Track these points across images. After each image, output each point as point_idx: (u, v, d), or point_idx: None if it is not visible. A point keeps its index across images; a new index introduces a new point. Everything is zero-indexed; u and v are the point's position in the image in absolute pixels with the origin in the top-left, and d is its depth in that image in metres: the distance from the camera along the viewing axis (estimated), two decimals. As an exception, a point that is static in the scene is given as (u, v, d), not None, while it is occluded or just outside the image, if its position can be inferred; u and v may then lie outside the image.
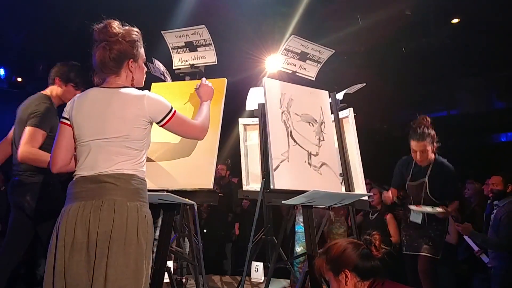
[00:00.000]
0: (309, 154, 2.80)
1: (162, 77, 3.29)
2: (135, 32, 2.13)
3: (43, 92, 3.01)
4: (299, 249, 4.03)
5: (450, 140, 8.90)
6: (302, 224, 4.10)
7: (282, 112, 2.77)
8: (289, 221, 3.58)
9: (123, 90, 2.04)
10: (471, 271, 4.51)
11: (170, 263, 3.86)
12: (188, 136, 2.32)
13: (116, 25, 2.08)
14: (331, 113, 3.39)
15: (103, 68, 2.06)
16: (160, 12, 5.33)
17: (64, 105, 3.15)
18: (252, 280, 4.20)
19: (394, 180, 3.96)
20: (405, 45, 6.52)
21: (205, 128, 2.31)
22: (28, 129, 2.78)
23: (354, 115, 3.30)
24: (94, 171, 1.95)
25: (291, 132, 2.76)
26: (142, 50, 2.17)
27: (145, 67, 2.21)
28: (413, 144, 3.57)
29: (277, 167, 2.61)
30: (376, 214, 5.03)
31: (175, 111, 2.13)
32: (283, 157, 2.66)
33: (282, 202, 2.53)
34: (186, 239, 4.38)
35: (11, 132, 3.10)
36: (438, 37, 6.25)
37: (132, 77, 2.12)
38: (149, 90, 2.91)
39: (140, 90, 2.09)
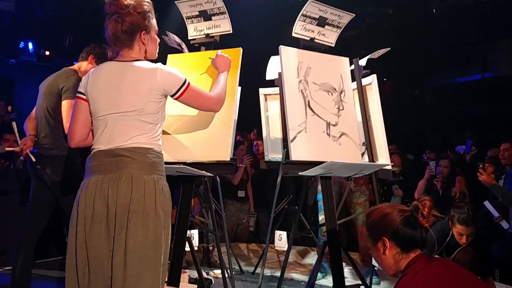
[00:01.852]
0: (328, 124, 2.73)
1: (180, 48, 3.25)
2: (147, 3, 2.08)
3: (70, 67, 3.06)
4: (321, 217, 4.01)
5: (484, 104, 8.61)
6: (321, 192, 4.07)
7: (300, 82, 2.69)
8: (310, 190, 3.54)
9: (136, 63, 2.02)
10: (489, 238, 4.40)
11: (195, 232, 3.95)
12: (204, 109, 2.28)
13: None
14: (354, 81, 3.29)
15: (116, 41, 2.04)
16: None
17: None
18: (276, 248, 4.26)
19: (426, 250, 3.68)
20: (435, 6, 6.19)
21: (221, 100, 2.27)
22: (66, 103, 2.86)
23: (384, 81, 3.18)
24: (111, 145, 1.96)
25: (308, 102, 2.69)
26: (154, 21, 2.13)
27: (158, 38, 2.17)
28: (460, 228, 3.29)
29: (294, 138, 2.56)
30: (444, 187, 4.90)
31: (189, 83, 2.10)
32: (300, 128, 2.60)
33: (299, 173, 2.49)
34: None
35: (34, 109, 3.17)
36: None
37: (145, 49, 2.09)
38: (165, 62, 2.91)
39: (153, 63, 2.06)
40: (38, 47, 8.57)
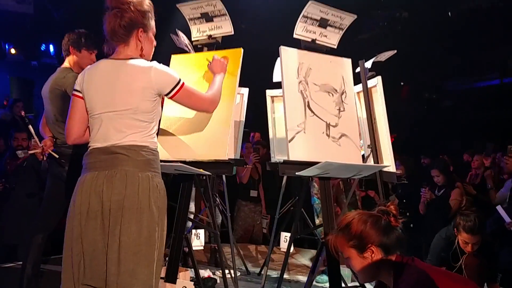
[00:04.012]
0: (328, 125, 2.73)
1: (186, 49, 3.30)
2: (147, 3, 2.12)
3: (62, 66, 3.12)
4: (317, 220, 4.01)
5: (503, 110, 8.41)
6: (315, 196, 4.07)
7: (299, 82, 2.70)
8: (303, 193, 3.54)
9: (131, 61, 2.05)
10: (499, 244, 4.31)
11: (201, 231, 3.97)
12: (198, 109, 2.31)
13: None
14: (359, 83, 3.28)
15: (113, 36, 2.07)
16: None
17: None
18: (281, 250, 4.26)
19: (431, 256, 3.61)
20: (450, 9, 6.09)
21: (215, 101, 2.29)
22: None
23: (401, 85, 3.17)
24: (107, 142, 2.01)
25: (308, 102, 2.69)
26: (152, 23, 2.16)
27: (154, 40, 2.20)
28: (466, 236, 3.20)
29: (292, 138, 2.57)
30: (442, 191, 4.95)
31: (183, 83, 2.12)
32: (299, 128, 2.61)
33: (296, 173, 2.50)
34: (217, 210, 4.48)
35: (44, 115, 3.25)
36: (488, -2, 5.80)
37: (141, 47, 2.12)
38: (169, 63, 2.96)
39: (148, 61, 2.08)
40: (59, 49, 8.75)
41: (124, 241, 1.91)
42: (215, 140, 2.59)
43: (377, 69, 3.35)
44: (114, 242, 1.91)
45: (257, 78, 3.75)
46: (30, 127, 3.36)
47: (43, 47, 8.85)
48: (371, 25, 6.19)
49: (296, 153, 2.56)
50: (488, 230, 4.48)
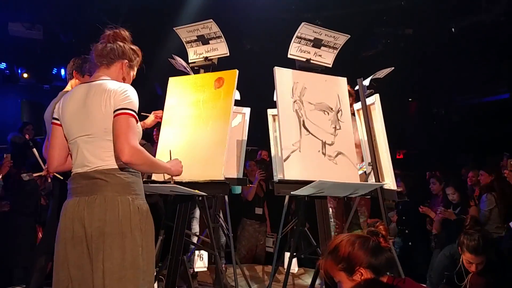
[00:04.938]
0: (323, 144, 2.73)
1: (186, 71, 3.35)
2: (139, 53, 2.21)
3: (64, 90, 3.17)
4: None
5: (513, 124, 8.30)
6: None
7: (294, 102, 2.71)
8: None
9: (102, 82, 2.05)
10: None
11: (205, 253, 3.96)
12: (117, 144, 1.96)
13: (127, 35, 2.19)
14: (358, 101, 3.29)
15: (99, 56, 2.10)
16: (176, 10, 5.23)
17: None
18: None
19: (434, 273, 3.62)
20: (454, 25, 6.10)
21: (138, 157, 1.97)
22: None
23: (409, 101, 3.16)
24: (86, 167, 2.00)
25: (303, 121, 2.71)
26: (135, 70, 2.22)
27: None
28: (470, 256, 3.10)
29: (287, 157, 2.58)
30: (458, 209, 4.87)
31: (132, 114, 2.00)
32: (294, 147, 2.62)
33: (292, 193, 2.49)
34: (221, 230, 4.46)
35: (46, 139, 3.31)
36: (490, 13, 5.78)
37: (124, 77, 2.15)
38: (167, 84, 3.02)
39: (120, 83, 2.07)
40: (70, 74, 8.91)
41: (107, 267, 1.90)
42: (211, 161, 2.61)
43: (383, 86, 3.35)
44: (98, 268, 1.91)
45: (264, 97, 3.79)
46: (34, 150, 3.43)
47: (54, 71, 9.03)
48: (374, 43, 6.23)
49: (292, 172, 2.56)
50: (504, 247, 4.39)
